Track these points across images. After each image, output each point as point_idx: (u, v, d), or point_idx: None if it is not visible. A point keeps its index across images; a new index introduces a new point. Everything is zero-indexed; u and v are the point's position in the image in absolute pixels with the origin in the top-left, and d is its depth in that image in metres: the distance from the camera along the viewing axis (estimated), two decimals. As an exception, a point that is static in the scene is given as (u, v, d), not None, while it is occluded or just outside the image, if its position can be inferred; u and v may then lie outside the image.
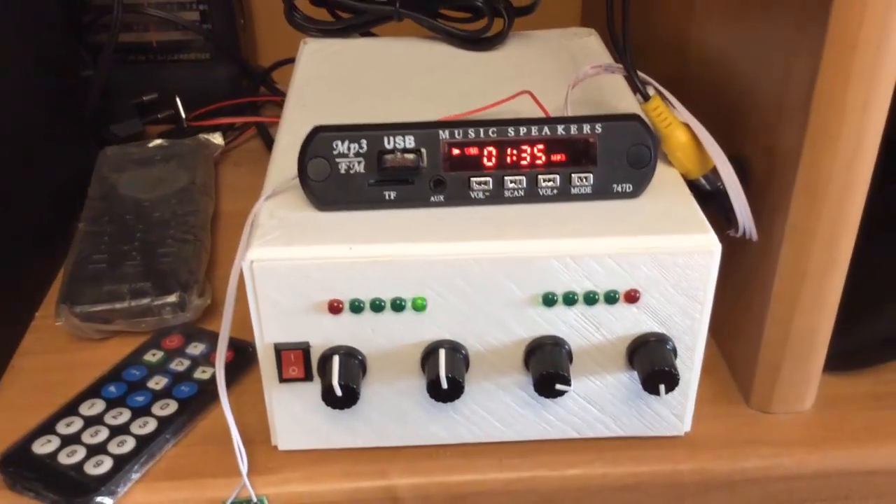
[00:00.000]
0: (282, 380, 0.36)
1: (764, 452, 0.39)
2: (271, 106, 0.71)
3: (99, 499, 0.36)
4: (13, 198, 0.47)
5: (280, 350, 0.36)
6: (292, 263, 0.34)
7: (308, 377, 0.36)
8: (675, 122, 0.38)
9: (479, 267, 0.34)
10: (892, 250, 0.41)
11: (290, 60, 0.70)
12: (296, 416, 0.38)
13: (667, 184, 0.38)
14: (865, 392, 0.43)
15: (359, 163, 0.35)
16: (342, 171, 0.35)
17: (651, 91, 0.39)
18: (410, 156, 0.35)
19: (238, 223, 0.53)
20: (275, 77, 0.72)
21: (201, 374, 0.43)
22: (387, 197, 0.36)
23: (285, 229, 0.35)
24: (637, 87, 0.39)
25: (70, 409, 0.41)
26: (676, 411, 0.39)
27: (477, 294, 0.35)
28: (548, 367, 0.35)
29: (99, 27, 0.66)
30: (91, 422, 0.40)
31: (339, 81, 0.49)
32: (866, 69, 0.32)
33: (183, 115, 0.66)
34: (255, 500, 0.37)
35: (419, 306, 0.35)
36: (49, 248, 0.52)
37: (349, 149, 0.35)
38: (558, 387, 0.35)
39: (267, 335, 0.36)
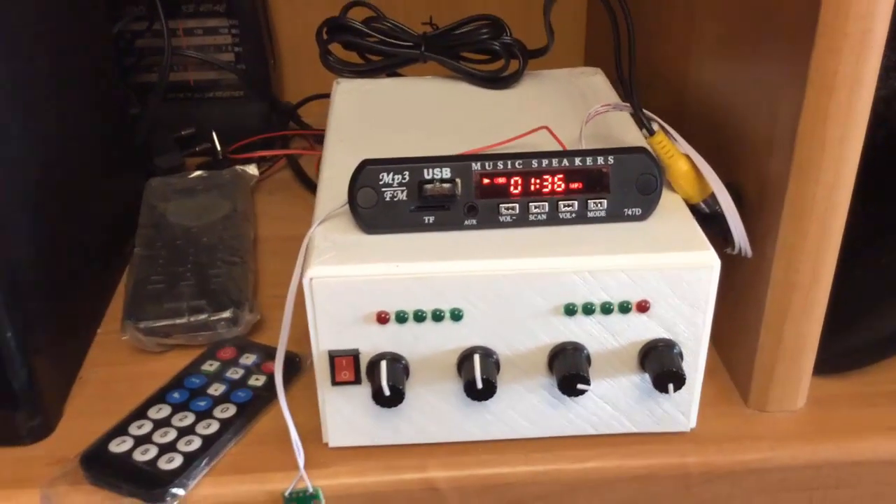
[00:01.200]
0: (334, 383, 0.41)
1: (762, 446, 0.44)
2: (299, 139, 0.76)
3: (174, 490, 0.41)
4: (78, 225, 0.52)
5: (333, 356, 0.41)
6: (346, 280, 0.39)
7: (357, 381, 0.41)
8: (677, 153, 0.43)
9: (509, 281, 0.39)
10: (871, 265, 0.46)
11: (317, 97, 0.77)
12: (345, 416, 0.43)
13: (671, 208, 0.43)
14: (851, 392, 0.47)
15: (402, 191, 0.40)
16: (387, 199, 0.40)
17: (655, 126, 0.44)
18: (447, 185, 0.40)
19: (276, 247, 0.59)
20: (301, 112, 0.77)
21: (255, 381, 0.48)
22: (426, 221, 0.41)
23: (338, 250, 0.40)
24: (643, 124, 0.44)
25: (140, 413, 0.45)
26: (683, 409, 0.43)
27: (507, 305, 0.40)
28: (570, 368, 0.40)
29: (141, 68, 0.72)
30: (160, 424, 0.45)
31: (371, 118, 0.54)
32: (842, 108, 0.38)
33: (218, 147, 0.72)
34: (311, 490, 0.42)
35: (456, 316, 0.40)
36: (107, 270, 0.56)
37: (393, 179, 0.40)
38: (579, 386, 0.40)
39: (322, 343, 0.40)
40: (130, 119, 0.66)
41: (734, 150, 0.45)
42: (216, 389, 0.47)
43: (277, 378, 0.42)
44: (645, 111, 0.45)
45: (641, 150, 0.41)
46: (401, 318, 0.40)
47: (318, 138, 0.76)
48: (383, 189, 0.40)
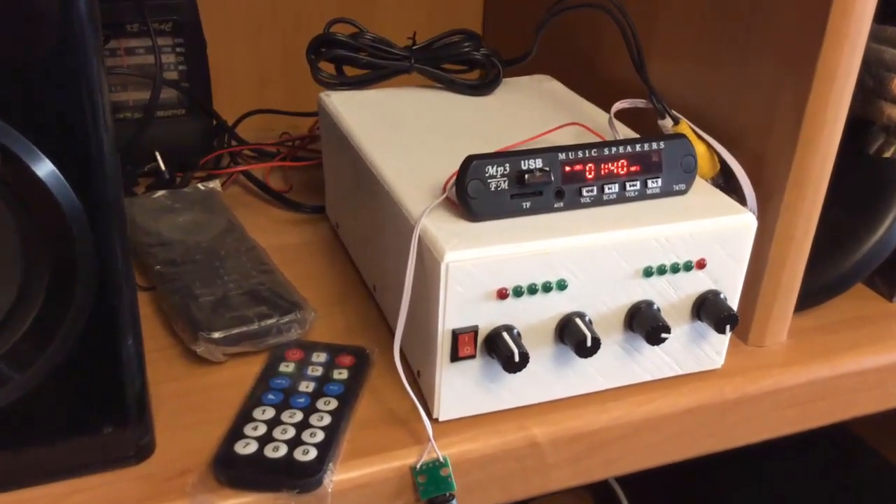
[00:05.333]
0: (454, 359, 0.46)
1: (773, 373, 0.54)
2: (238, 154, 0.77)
3: (325, 477, 0.43)
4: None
5: (457, 334, 0.45)
6: (478, 261, 0.44)
7: (474, 355, 0.46)
8: (696, 138, 0.52)
9: (605, 251, 0.46)
10: (822, 221, 0.58)
11: (252, 113, 0.78)
12: (456, 390, 0.47)
13: (697, 184, 0.52)
14: (814, 325, 0.59)
15: (504, 181, 0.46)
16: (492, 189, 0.46)
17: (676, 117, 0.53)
18: (542, 173, 0.46)
19: (276, 257, 0.61)
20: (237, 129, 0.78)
21: (339, 375, 0.50)
22: (524, 206, 0.47)
23: (458, 237, 0.45)
24: (668, 113, 0.52)
25: (246, 417, 0.47)
26: (718, 350, 0.52)
27: (600, 272, 0.46)
28: (654, 321, 0.47)
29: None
30: (273, 423, 0.46)
31: (387, 125, 0.58)
32: (837, 93, 0.48)
33: (163, 167, 0.71)
34: (441, 459, 0.46)
35: (562, 286, 0.46)
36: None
37: (497, 171, 0.46)
38: (663, 335, 0.47)
39: (448, 322, 0.45)
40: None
41: (723, 138, 0.55)
42: (307, 386, 0.49)
43: (397, 361, 0.46)
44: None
45: (682, 136, 0.49)
46: (517, 292, 0.45)
47: (261, 153, 0.77)
48: (489, 180, 0.45)
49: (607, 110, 0.60)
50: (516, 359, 0.44)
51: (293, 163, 0.74)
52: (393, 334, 0.55)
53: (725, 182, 0.54)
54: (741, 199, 0.52)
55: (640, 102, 0.55)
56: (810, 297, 0.59)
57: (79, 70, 0.35)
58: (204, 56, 0.72)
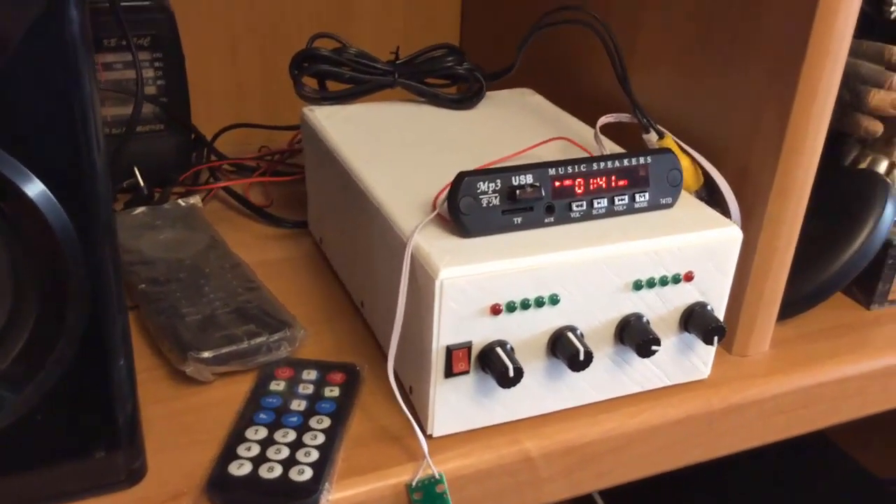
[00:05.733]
0: (448, 375, 0.46)
1: (757, 382, 0.55)
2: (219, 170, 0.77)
3: (322, 497, 0.43)
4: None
5: (451, 350, 0.45)
6: (472, 278, 0.44)
7: (468, 371, 0.46)
8: (680, 151, 0.53)
9: (597, 265, 0.46)
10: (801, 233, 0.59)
11: (231, 127, 0.78)
12: (451, 406, 0.47)
13: (683, 198, 0.52)
14: (794, 334, 0.60)
15: (495, 197, 0.46)
16: (483, 205, 0.46)
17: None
18: (533, 189, 0.46)
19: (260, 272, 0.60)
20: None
21: (330, 392, 0.50)
22: (515, 222, 0.47)
23: (451, 254, 0.45)
24: (653, 128, 0.53)
25: (239, 437, 0.46)
26: (704, 360, 0.53)
27: (591, 286, 0.47)
28: (645, 335, 0.48)
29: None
30: (267, 443, 0.46)
31: (371, 139, 0.58)
32: (819, 106, 0.49)
33: (142, 183, 0.71)
34: (437, 475, 0.46)
35: (554, 301, 0.46)
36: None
37: (488, 187, 0.46)
38: (653, 348, 0.48)
39: (442, 339, 0.45)
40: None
41: (707, 152, 0.56)
42: (299, 405, 0.49)
43: (391, 377, 0.46)
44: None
45: (668, 150, 0.50)
46: (510, 307, 0.45)
47: (240, 167, 0.77)
48: (480, 196, 0.46)
49: (590, 123, 0.60)
50: (511, 374, 0.45)
51: (274, 178, 0.73)
52: (382, 351, 0.55)
53: (709, 195, 0.54)
54: (725, 212, 0.53)
55: (624, 117, 0.55)
56: (790, 307, 0.60)
57: (71, 89, 0.35)
58: (182, 71, 0.71)
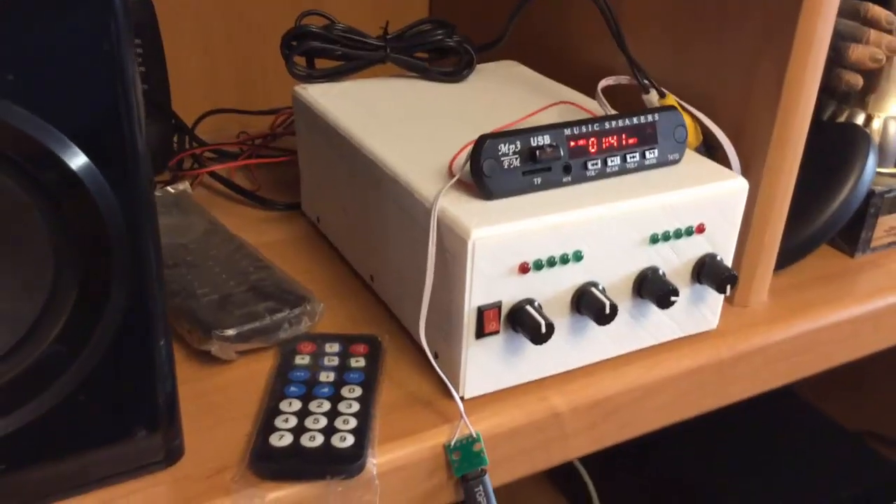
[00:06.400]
0: (480, 336, 0.46)
1: (761, 330, 0.57)
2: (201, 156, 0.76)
3: (368, 461, 0.43)
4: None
5: (482, 310, 0.46)
6: (501, 237, 0.44)
7: (498, 330, 0.47)
8: (681, 109, 0.55)
9: (616, 221, 0.48)
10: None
11: (211, 113, 0.77)
12: (481, 366, 0.48)
13: (686, 154, 0.54)
14: (788, 283, 0.62)
15: (516, 158, 0.47)
16: (505, 167, 0.47)
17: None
18: (552, 149, 0.47)
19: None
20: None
21: (356, 363, 0.50)
22: (535, 182, 0.48)
23: (478, 215, 0.45)
24: (654, 87, 0.54)
25: (274, 411, 0.46)
26: (713, 311, 0.55)
27: (612, 242, 0.48)
28: (664, 286, 0.49)
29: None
30: (303, 414, 0.46)
31: (372, 114, 0.58)
32: (813, 57, 0.51)
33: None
34: (474, 435, 0.46)
35: (578, 257, 0.47)
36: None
37: (509, 149, 0.47)
38: (672, 299, 0.49)
39: (474, 300, 0.45)
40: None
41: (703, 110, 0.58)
42: (327, 376, 0.49)
43: (423, 342, 0.47)
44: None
45: (673, 108, 0.52)
46: (538, 265, 0.46)
47: (221, 153, 0.76)
48: (502, 158, 0.46)
49: (580, 91, 0.61)
50: (543, 330, 0.46)
51: (263, 160, 0.72)
52: (397, 321, 0.55)
53: (708, 151, 0.56)
54: (725, 166, 0.55)
55: (623, 79, 0.57)
56: (782, 257, 0.62)
57: (114, 61, 0.35)
58: (162, 58, 0.70)
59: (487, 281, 0.45)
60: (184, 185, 0.68)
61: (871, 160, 0.61)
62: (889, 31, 0.61)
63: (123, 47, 0.35)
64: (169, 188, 0.67)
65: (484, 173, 0.46)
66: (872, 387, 1.05)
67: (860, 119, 0.65)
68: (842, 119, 0.66)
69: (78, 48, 0.34)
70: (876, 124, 0.65)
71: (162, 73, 0.71)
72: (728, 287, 0.51)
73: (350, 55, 0.62)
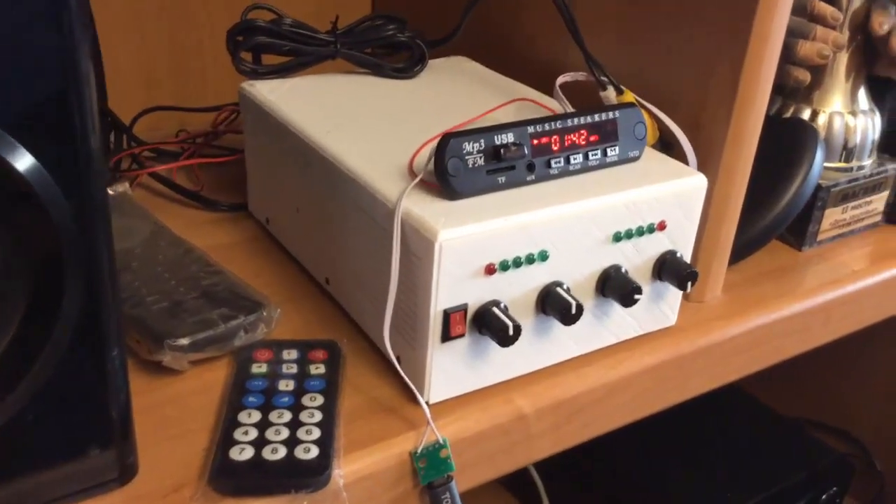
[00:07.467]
0: (446, 339, 0.45)
1: (718, 325, 0.57)
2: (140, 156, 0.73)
3: (334, 472, 0.42)
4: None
5: (448, 313, 0.45)
6: (468, 238, 0.43)
7: (464, 333, 0.46)
8: (639, 106, 0.54)
9: (580, 220, 0.47)
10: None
11: (149, 111, 0.74)
12: (446, 370, 0.47)
13: (645, 151, 0.54)
14: (739, 278, 0.63)
15: (480, 157, 0.46)
16: (469, 166, 0.46)
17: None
18: (516, 147, 0.46)
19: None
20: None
21: (316, 370, 0.49)
22: (499, 181, 0.47)
23: (443, 216, 0.44)
24: (612, 84, 0.54)
25: (233, 423, 0.44)
26: (672, 308, 0.55)
27: (576, 240, 0.47)
28: (628, 284, 0.49)
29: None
30: (263, 425, 0.44)
31: (325, 111, 0.57)
32: (769, 55, 0.52)
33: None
34: (441, 441, 0.45)
35: (544, 257, 0.46)
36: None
37: (473, 147, 0.45)
38: (636, 297, 0.49)
39: (440, 303, 0.44)
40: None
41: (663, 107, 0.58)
42: (286, 385, 0.47)
43: (388, 347, 0.45)
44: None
45: (633, 105, 0.51)
46: (504, 266, 0.45)
47: (160, 153, 0.73)
48: (466, 157, 0.45)
49: (533, 87, 0.61)
50: (511, 332, 0.45)
51: (206, 159, 0.70)
52: (354, 325, 0.54)
53: (664, 148, 0.56)
54: (682, 162, 0.55)
55: (581, 75, 0.56)
56: (736, 252, 0.63)
57: (69, 64, 0.32)
58: (98, 54, 0.67)
59: (454, 283, 0.44)
60: (123, 187, 0.65)
61: (820, 155, 0.62)
62: (834, 27, 0.62)
63: (77, 40, 0.32)
64: (109, 190, 0.64)
65: (448, 173, 0.45)
66: (804, 374, 1.07)
67: (806, 114, 0.66)
68: (788, 114, 0.67)
69: (24, 42, 0.31)
70: (821, 119, 0.66)
71: (98, 69, 0.68)
72: (689, 283, 0.51)
73: (299, 50, 0.60)
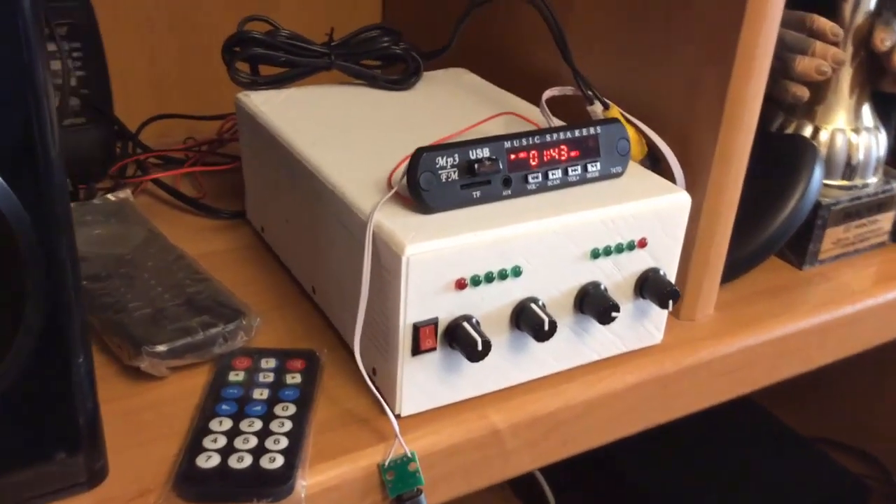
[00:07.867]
0: (416, 353, 0.45)
1: (706, 345, 0.57)
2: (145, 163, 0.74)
3: (297, 483, 0.42)
4: None
5: (418, 327, 0.45)
6: (437, 253, 0.44)
7: (435, 347, 0.46)
8: (625, 122, 0.54)
9: (556, 235, 0.47)
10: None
11: (156, 118, 0.75)
12: (418, 384, 0.47)
13: (629, 167, 0.53)
14: (733, 297, 0.62)
15: (454, 172, 0.46)
16: (443, 180, 0.46)
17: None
18: (491, 162, 0.46)
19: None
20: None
21: (292, 379, 0.49)
22: (474, 196, 0.47)
23: (415, 230, 0.44)
24: (598, 99, 0.54)
25: (203, 430, 0.45)
26: (657, 326, 0.54)
27: (551, 256, 0.47)
28: (605, 302, 0.48)
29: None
30: (233, 433, 0.45)
31: (314, 122, 0.57)
32: (756, 71, 0.51)
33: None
34: (409, 454, 0.45)
35: (517, 273, 0.46)
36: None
37: (447, 161, 0.46)
38: (613, 314, 0.49)
39: (409, 316, 0.44)
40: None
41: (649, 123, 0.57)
42: (261, 394, 0.48)
43: (359, 359, 0.45)
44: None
45: (616, 120, 0.51)
46: (475, 281, 0.45)
47: (166, 160, 0.75)
48: (440, 171, 0.45)
49: (527, 101, 0.61)
50: (480, 347, 0.45)
51: (208, 167, 0.71)
52: (338, 335, 0.54)
53: (653, 164, 0.56)
54: (670, 180, 0.54)
55: (568, 90, 0.56)
56: (729, 270, 0.62)
57: (25, 76, 0.33)
58: (103, 61, 0.68)
59: (423, 297, 0.44)
60: (125, 193, 0.66)
61: (818, 172, 0.61)
62: (835, 44, 0.61)
63: (33, 51, 0.33)
64: (110, 196, 0.65)
65: (421, 187, 0.45)
66: (826, 393, 1.05)
67: (808, 130, 0.65)
68: (790, 130, 0.66)
69: (-18, 59, 0.32)
70: (823, 136, 0.65)
71: (103, 76, 0.69)
72: (670, 302, 0.51)
73: (294, 62, 0.61)
